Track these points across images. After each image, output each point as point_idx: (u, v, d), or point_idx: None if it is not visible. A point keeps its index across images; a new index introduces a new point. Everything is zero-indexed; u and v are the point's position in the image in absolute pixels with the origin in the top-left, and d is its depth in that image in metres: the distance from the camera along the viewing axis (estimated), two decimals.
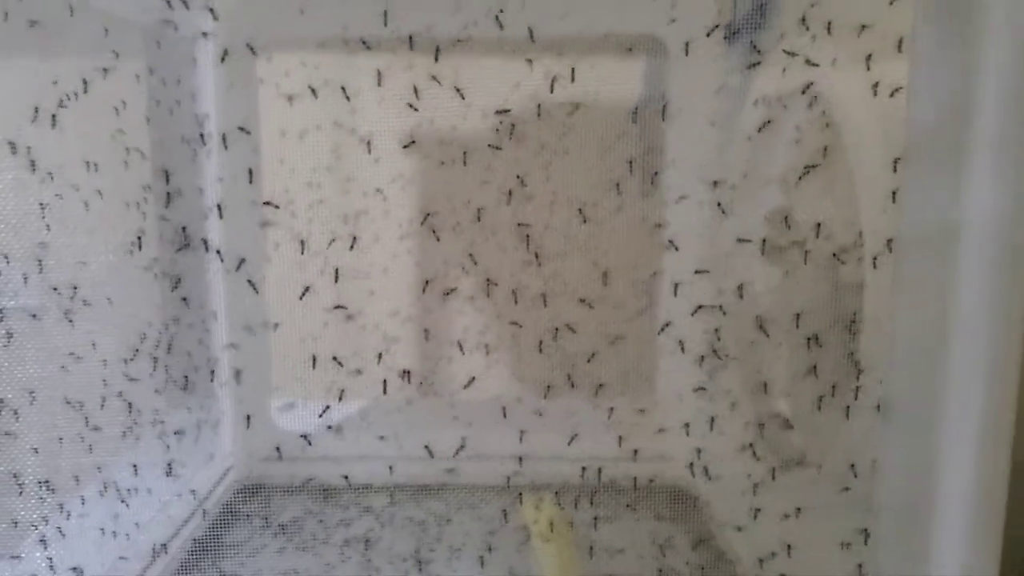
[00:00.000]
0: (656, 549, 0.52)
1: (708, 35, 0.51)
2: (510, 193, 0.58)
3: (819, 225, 0.42)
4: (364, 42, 0.55)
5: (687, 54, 0.53)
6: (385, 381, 0.59)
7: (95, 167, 0.42)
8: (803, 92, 0.42)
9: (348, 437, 0.60)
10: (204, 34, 0.53)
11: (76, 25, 0.41)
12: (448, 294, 0.60)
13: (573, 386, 0.59)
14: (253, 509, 0.57)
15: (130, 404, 0.46)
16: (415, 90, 0.55)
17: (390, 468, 0.58)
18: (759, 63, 0.47)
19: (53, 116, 0.39)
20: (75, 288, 0.39)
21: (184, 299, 0.53)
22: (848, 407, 0.38)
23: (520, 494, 0.48)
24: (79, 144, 0.41)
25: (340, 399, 0.56)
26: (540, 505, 0.45)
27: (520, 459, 0.55)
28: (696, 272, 0.55)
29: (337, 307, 0.58)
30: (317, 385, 0.59)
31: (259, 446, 0.60)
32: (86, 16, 0.41)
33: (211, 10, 0.53)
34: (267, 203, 0.57)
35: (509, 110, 0.56)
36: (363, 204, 0.60)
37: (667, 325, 0.57)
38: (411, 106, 0.55)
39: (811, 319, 0.43)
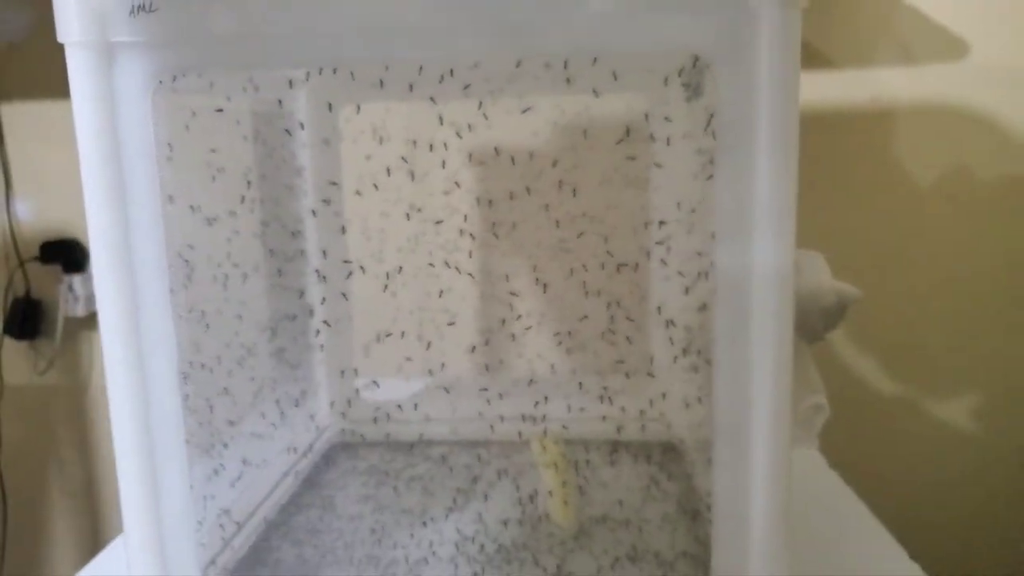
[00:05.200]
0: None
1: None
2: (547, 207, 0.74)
3: None
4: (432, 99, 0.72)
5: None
6: (431, 370, 0.77)
7: (235, 214, 0.62)
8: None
9: (412, 405, 0.80)
10: (300, 124, 0.72)
11: (224, 120, 0.60)
12: (490, 295, 0.77)
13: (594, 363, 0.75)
14: (344, 457, 0.77)
15: (257, 375, 0.65)
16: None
17: (423, 428, 0.76)
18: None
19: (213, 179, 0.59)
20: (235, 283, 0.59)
21: (300, 293, 0.73)
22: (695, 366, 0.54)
23: (529, 438, 0.65)
24: (227, 201, 0.61)
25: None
26: (544, 443, 0.62)
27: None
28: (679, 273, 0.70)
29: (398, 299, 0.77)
30: (389, 366, 0.78)
31: (346, 412, 0.80)
32: (227, 116, 0.61)
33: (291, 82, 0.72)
34: (343, 230, 0.77)
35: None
36: (420, 228, 0.78)
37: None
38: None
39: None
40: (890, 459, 1.12)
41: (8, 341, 1.28)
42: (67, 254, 1.25)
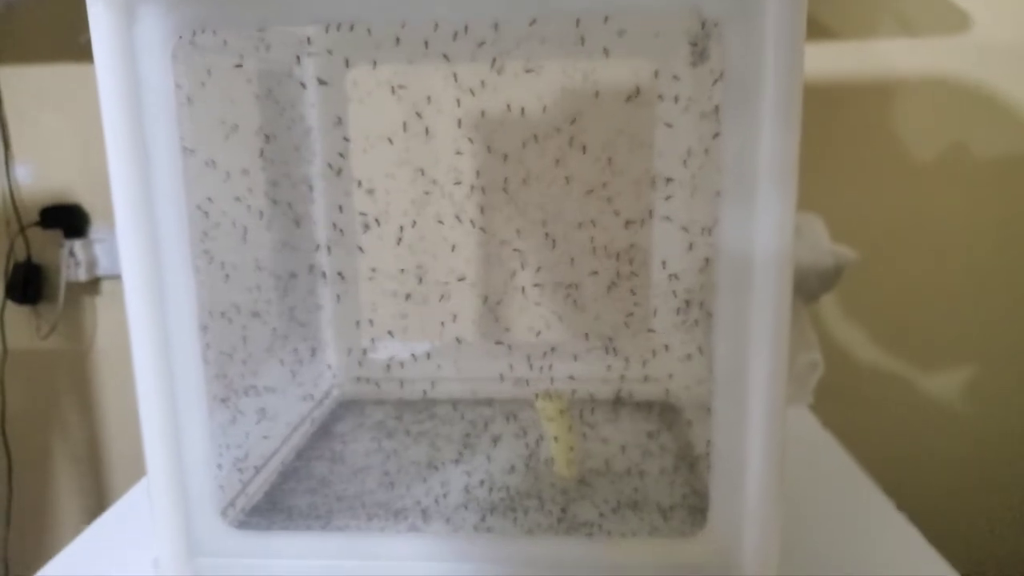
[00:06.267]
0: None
1: None
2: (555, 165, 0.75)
3: None
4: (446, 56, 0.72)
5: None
6: (443, 322, 0.79)
7: (247, 172, 0.63)
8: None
9: (419, 364, 0.81)
10: (319, 80, 0.73)
11: (237, 77, 0.61)
12: (493, 258, 0.79)
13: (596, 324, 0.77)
14: (353, 412, 0.79)
15: (271, 329, 0.67)
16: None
17: (430, 386, 0.79)
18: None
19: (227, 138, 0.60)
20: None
21: (316, 247, 0.74)
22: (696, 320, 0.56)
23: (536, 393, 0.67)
24: (240, 158, 0.62)
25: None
26: (550, 393, 0.65)
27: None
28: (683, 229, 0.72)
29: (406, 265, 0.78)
30: (396, 325, 0.80)
31: (353, 371, 0.82)
32: (240, 74, 0.62)
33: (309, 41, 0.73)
34: (359, 184, 0.78)
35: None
36: (428, 187, 0.79)
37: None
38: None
39: None
40: (883, 432, 1.15)
41: (10, 306, 1.29)
42: (68, 219, 1.25)
